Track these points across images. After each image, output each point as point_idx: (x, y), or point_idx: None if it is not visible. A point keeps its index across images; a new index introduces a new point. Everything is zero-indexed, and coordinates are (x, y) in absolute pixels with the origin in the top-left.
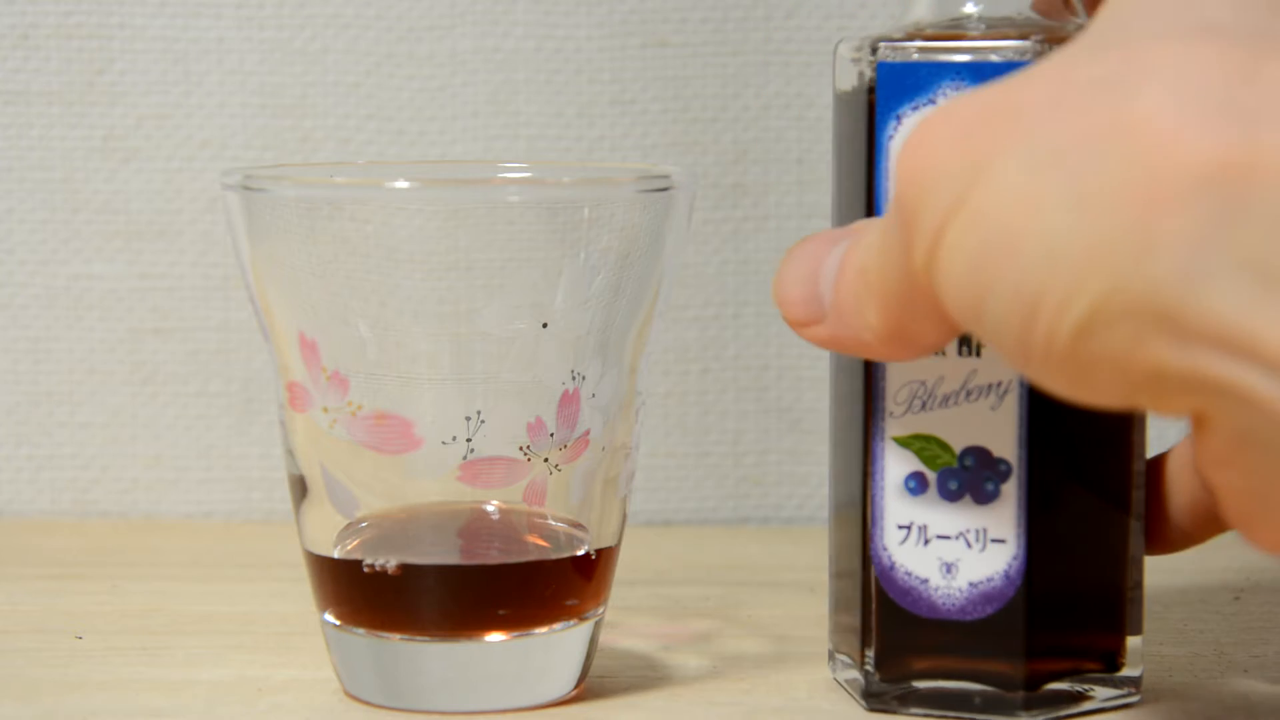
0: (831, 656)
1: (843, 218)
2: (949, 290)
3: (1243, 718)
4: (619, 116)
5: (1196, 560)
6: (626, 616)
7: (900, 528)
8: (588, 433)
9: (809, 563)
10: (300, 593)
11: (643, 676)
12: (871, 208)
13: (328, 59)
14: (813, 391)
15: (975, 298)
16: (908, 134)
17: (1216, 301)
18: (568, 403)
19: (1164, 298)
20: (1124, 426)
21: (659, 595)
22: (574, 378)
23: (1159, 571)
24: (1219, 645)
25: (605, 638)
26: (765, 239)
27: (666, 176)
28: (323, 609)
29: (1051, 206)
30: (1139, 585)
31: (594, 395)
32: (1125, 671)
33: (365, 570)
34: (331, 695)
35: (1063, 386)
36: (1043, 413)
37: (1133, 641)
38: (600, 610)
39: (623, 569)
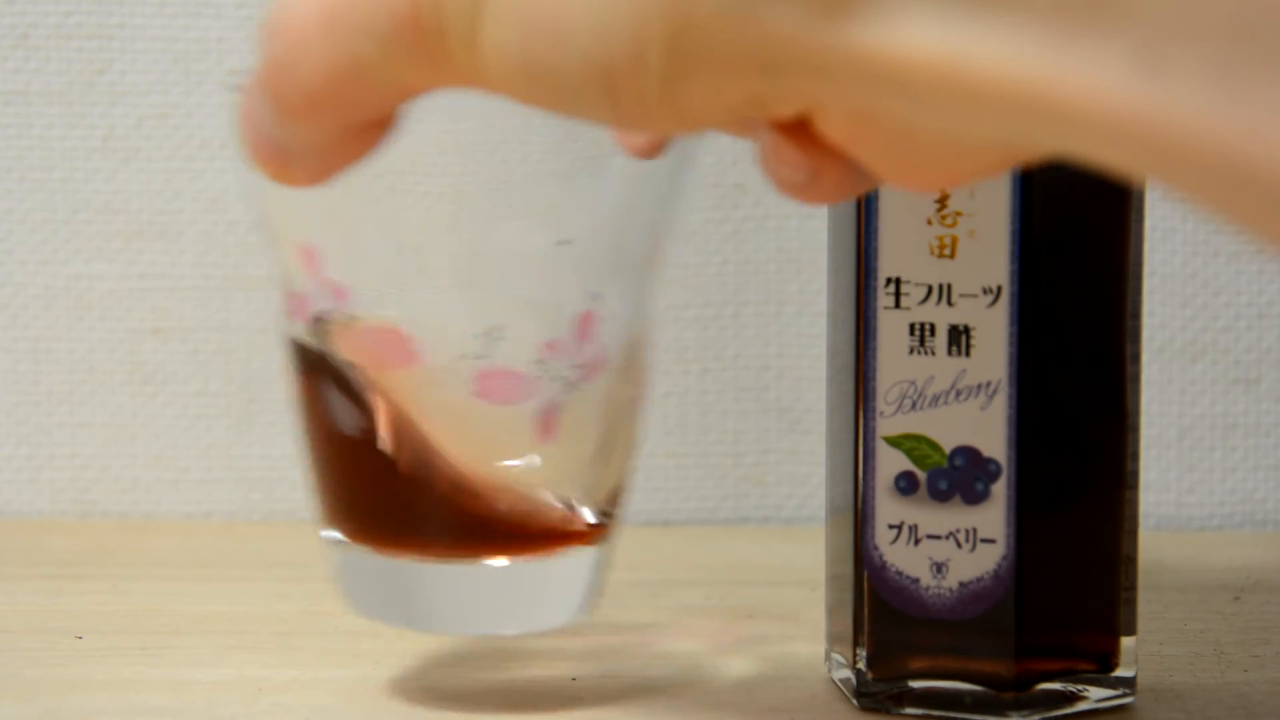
0: (828, 656)
1: (837, 216)
2: (514, 86)
3: (1243, 717)
4: None
5: (1196, 560)
6: (625, 617)
7: (891, 527)
8: (604, 352)
9: (808, 563)
10: (300, 593)
11: (641, 675)
12: (862, 206)
13: None
14: (812, 391)
15: (548, 85)
16: None
17: (777, 22)
18: (585, 322)
19: (726, 28)
20: (1115, 427)
21: (658, 595)
22: (591, 297)
23: (1159, 571)
24: (1219, 645)
25: (601, 638)
26: (765, 239)
27: None
28: (326, 525)
29: None
30: (1133, 586)
31: (610, 315)
32: (1119, 672)
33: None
34: (332, 695)
35: (674, 129)
36: (1032, 413)
37: (1127, 642)
38: (609, 536)
39: (622, 569)
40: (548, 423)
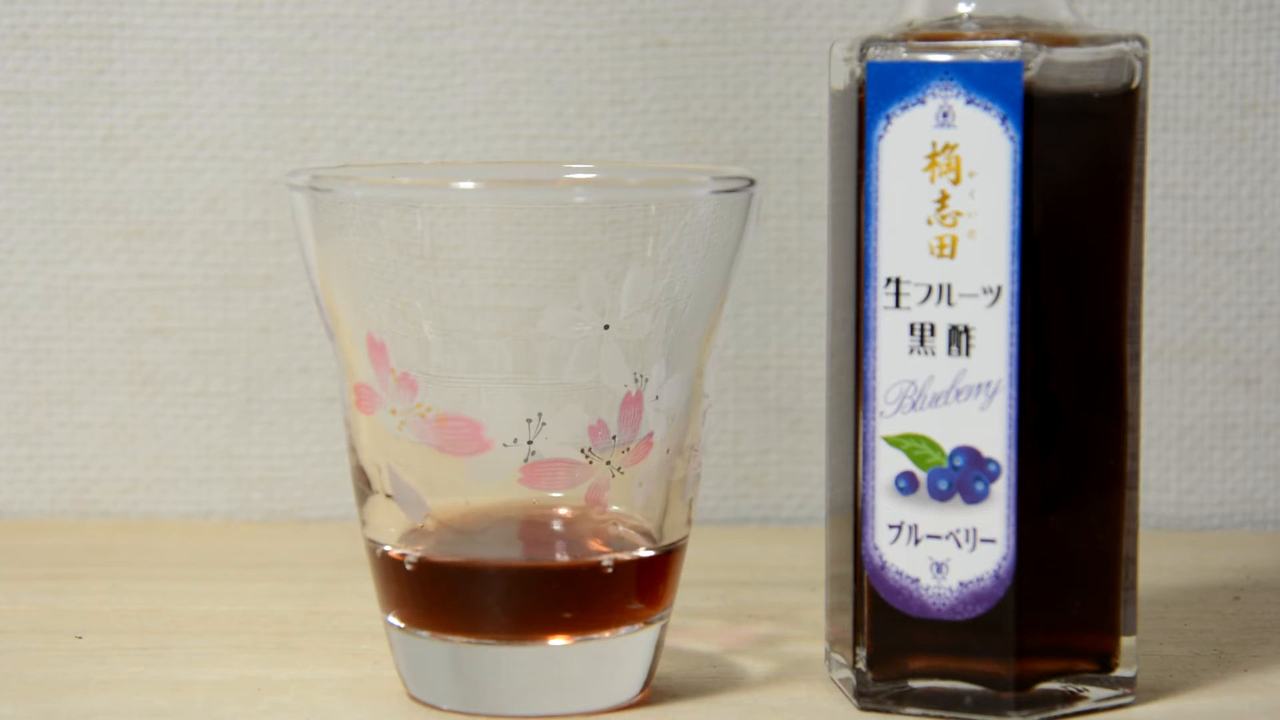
0: (828, 656)
1: (837, 216)
2: None
3: (1242, 718)
4: (619, 116)
5: (1196, 560)
6: None
7: (891, 527)
8: (651, 435)
9: (808, 563)
10: (300, 593)
11: None
12: (862, 206)
13: (328, 59)
14: (812, 391)
15: None
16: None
17: None
18: (630, 405)
19: None
20: (1115, 427)
21: None
22: (636, 380)
23: (1159, 571)
24: (1219, 645)
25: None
26: (765, 239)
27: (744, 178)
28: (386, 611)
29: None
30: (1133, 586)
31: (657, 398)
32: (1119, 672)
33: (408, 568)
34: (332, 695)
35: None
36: (1032, 413)
37: (1127, 642)
38: (666, 614)
39: None
40: (597, 500)
